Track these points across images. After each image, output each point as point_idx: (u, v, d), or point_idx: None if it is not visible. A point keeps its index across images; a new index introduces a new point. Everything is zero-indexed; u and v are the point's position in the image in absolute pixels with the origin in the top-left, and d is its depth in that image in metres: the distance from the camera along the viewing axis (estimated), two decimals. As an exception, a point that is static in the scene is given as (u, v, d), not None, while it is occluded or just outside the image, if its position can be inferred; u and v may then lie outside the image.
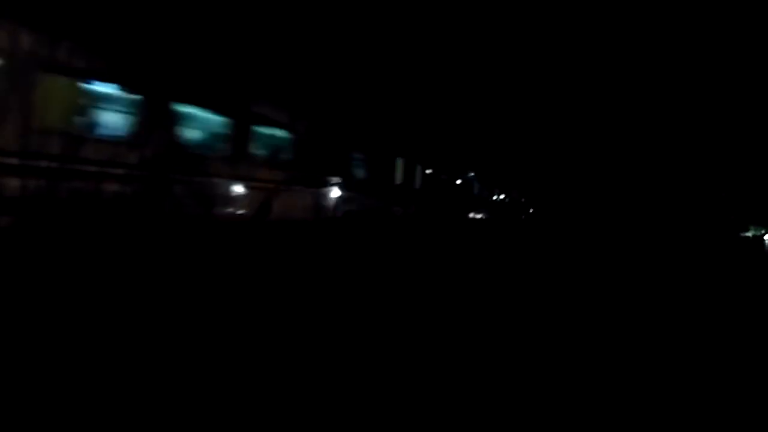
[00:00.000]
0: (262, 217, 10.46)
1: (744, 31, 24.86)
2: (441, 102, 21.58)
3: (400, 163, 17.94)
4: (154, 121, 8.48)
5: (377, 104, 17.62)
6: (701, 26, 25.40)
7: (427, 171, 20.72)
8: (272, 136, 11.74)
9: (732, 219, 30.97)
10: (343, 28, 16.90)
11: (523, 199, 37.14)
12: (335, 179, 13.90)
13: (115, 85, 7.86)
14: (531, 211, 37.95)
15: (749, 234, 28.25)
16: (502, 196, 33.33)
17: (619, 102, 30.39)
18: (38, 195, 6.48)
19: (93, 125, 7.57)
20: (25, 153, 6.55)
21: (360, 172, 15.22)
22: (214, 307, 4.42)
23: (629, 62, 28.12)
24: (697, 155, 32.52)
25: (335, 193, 13.60)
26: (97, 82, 7.67)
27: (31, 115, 6.66)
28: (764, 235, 26.58)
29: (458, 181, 24.04)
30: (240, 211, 10.12)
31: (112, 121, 8.14)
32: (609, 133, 32.65)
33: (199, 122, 9.83)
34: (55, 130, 6.90)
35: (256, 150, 11.16)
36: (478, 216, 26.14)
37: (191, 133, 9.48)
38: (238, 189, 10.21)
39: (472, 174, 24.75)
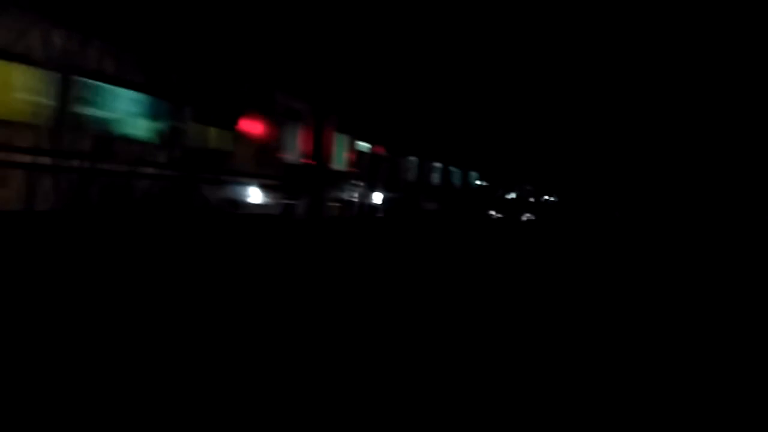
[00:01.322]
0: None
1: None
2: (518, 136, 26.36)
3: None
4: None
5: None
6: (747, 17, 26.47)
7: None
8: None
9: (758, 204, 31.46)
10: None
11: (565, 201, 41.92)
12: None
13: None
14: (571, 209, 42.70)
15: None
16: (547, 198, 38.38)
17: (650, 101, 33.12)
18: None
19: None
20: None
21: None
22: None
23: (660, 64, 31.00)
24: (724, 142, 33.04)
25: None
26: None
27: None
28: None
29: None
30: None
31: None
32: (643, 132, 35.48)
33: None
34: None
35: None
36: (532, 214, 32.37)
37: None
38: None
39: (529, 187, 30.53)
